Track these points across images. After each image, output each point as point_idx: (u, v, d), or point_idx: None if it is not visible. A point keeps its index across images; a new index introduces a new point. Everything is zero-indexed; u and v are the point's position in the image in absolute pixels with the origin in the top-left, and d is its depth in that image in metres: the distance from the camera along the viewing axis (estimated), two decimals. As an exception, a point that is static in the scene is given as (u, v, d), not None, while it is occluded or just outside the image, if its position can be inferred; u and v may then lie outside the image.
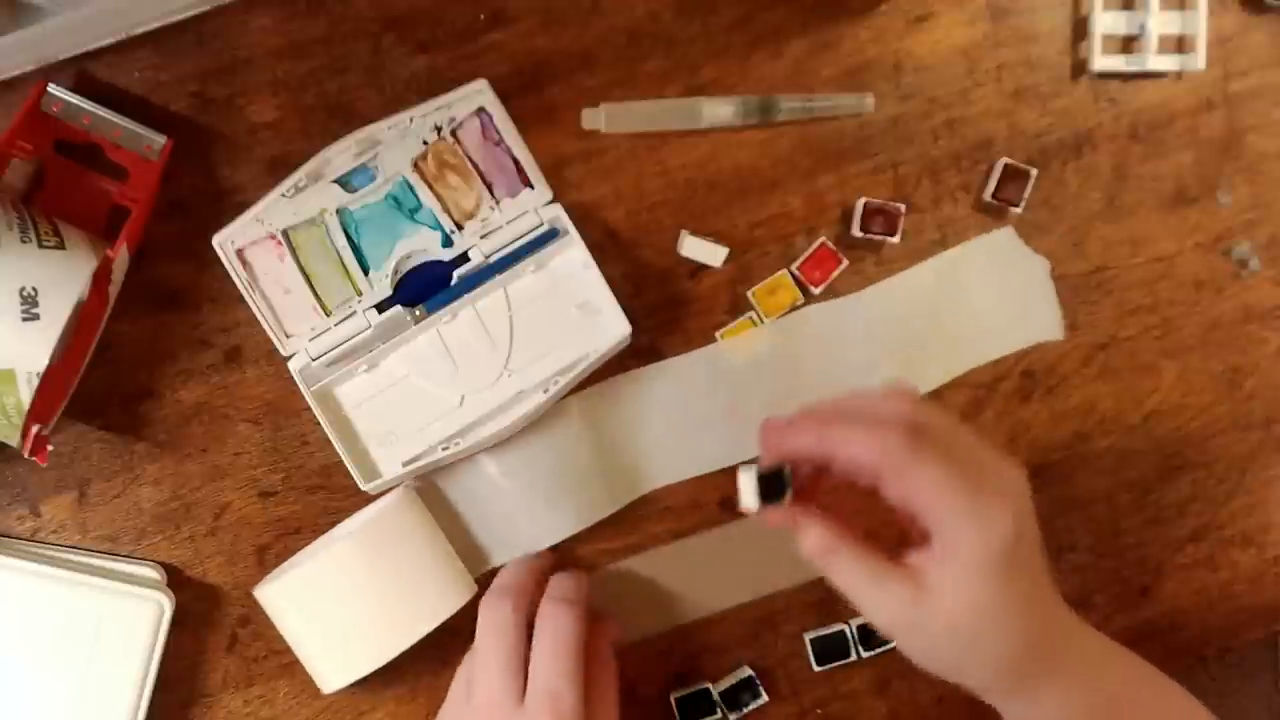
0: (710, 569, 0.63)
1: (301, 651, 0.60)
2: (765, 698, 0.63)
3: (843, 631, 0.64)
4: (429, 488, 0.62)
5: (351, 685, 0.59)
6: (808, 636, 0.63)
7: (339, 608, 0.58)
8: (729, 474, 0.63)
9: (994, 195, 0.63)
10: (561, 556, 0.63)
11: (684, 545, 0.63)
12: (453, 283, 0.60)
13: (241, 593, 0.61)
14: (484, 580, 0.62)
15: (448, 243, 0.61)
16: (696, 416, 0.63)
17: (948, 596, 0.47)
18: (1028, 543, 0.49)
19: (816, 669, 0.64)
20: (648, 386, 0.63)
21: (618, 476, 0.63)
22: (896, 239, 0.62)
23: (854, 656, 0.63)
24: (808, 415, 0.50)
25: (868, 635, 0.63)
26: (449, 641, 0.61)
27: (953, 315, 0.64)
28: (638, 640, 0.63)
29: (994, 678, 0.51)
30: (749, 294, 0.63)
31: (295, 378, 0.59)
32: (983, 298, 0.64)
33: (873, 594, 0.49)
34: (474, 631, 0.61)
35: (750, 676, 0.63)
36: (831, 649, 0.63)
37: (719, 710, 0.63)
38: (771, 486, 0.49)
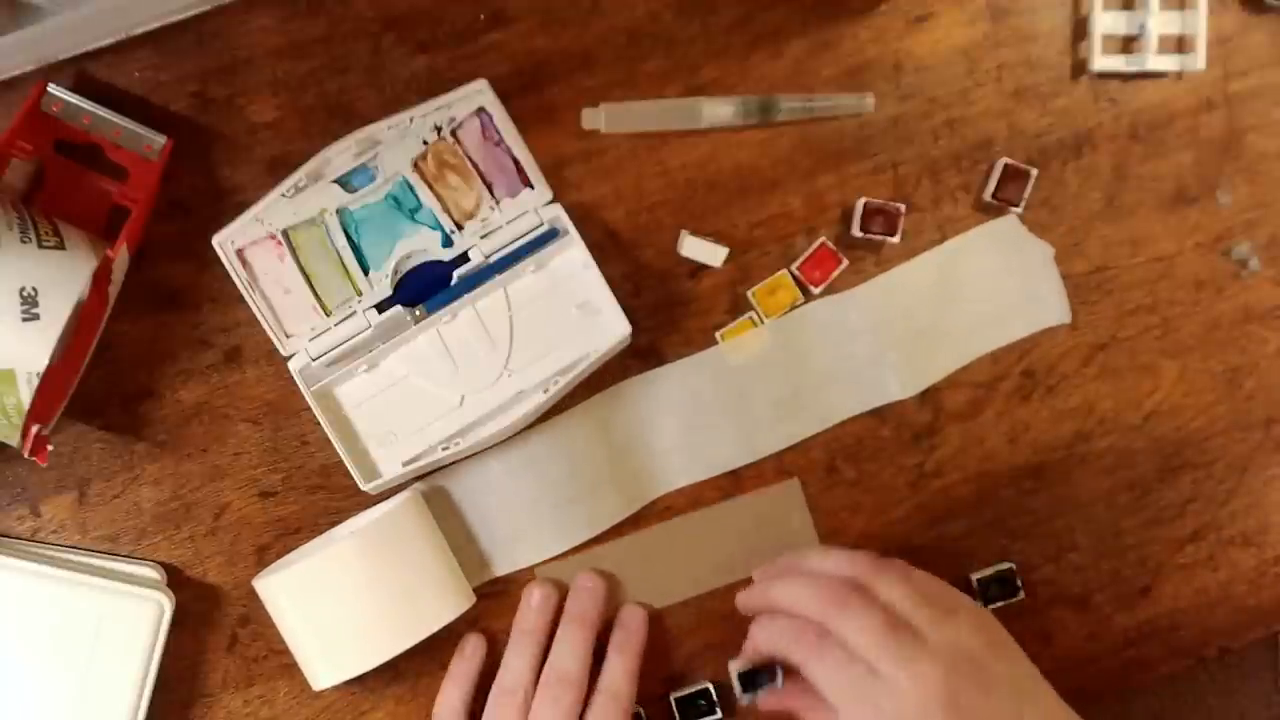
0: (710, 545, 0.63)
1: (295, 646, 0.60)
2: (765, 698, 0.63)
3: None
4: (437, 493, 0.62)
5: (350, 684, 0.59)
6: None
7: (336, 606, 0.58)
8: (730, 474, 0.63)
9: (994, 195, 0.63)
10: (561, 557, 0.63)
11: (683, 521, 0.63)
12: (453, 283, 0.60)
13: (241, 593, 0.61)
14: (484, 590, 0.62)
15: (448, 243, 0.61)
16: (704, 419, 0.63)
17: None
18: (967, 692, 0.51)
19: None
20: (654, 391, 0.63)
21: (627, 483, 0.63)
22: (896, 239, 0.62)
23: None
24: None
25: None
26: (449, 644, 0.61)
27: (957, 304, 0.64)
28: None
29: None
30: (749, 294, 0.63)
31: (295, 378, 0.59)
32: (986, 285, 0.64)
33: None
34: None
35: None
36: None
37: (718, 710, 0.63)
38: (751, 681, 0.57)
